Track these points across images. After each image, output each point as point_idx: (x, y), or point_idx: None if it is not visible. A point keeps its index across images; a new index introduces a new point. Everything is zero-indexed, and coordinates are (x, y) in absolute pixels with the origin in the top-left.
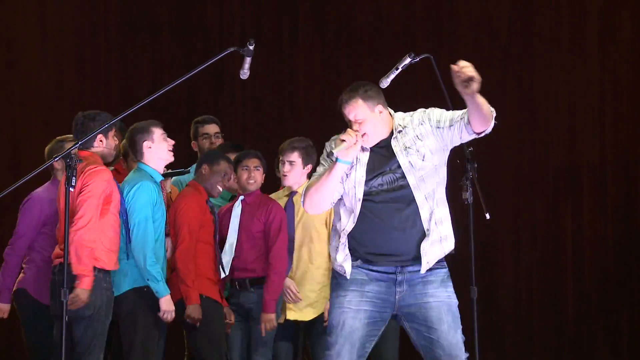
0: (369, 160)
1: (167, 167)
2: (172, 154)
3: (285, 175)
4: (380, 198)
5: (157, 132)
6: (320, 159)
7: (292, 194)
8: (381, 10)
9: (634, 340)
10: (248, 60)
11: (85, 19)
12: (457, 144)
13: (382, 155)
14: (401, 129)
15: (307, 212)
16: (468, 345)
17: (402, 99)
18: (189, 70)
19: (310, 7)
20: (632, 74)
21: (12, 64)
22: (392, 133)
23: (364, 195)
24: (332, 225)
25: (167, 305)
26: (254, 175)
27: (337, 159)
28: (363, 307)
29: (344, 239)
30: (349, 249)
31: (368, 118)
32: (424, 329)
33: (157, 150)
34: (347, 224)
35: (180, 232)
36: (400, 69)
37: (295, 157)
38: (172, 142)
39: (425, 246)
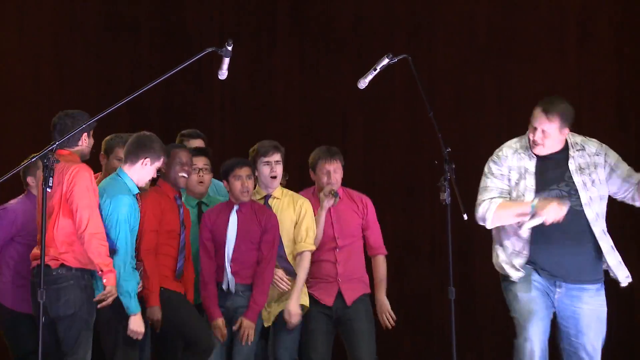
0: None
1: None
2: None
3: (276, 177)
4: None
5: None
6: (490, 165)
7: (267, 197)
8: (360, 10)
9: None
10: (226, 60)
11: (64, 18)
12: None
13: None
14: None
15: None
16: (447, 346)
17: (380, 99)
18: (168, 70)
19: (290, 7)
20: (610, 75)
21: None
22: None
23: None
24: None
25: (135, 325)
26: (247, 185)
27: (533, 206)
28: None
29: None
30: None
31: (552, 135)
32: None
33: (148, 173)
34: None
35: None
36: (378, 70)
37: (279, 157)
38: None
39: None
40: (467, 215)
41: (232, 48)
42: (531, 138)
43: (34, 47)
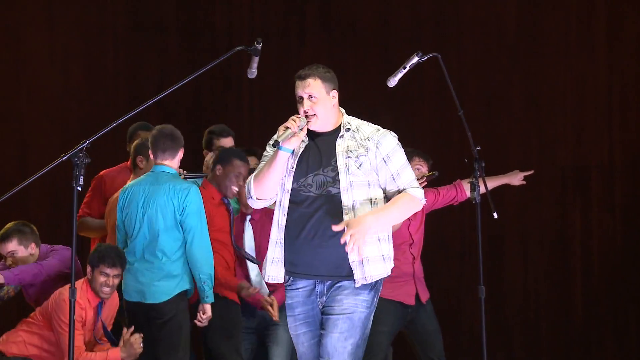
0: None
1: (187, 170)
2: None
3: None
4: None
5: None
6: (265, 151)
7: None
8: (388, 9)
9: None
10: (256, 59)
11: (93, 18)
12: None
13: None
14: (350, 128)
15: (254, 198)
16: (477, 345)
17: (409, 98)
18: (196, 69)
19: (318, 7)
20: None
21: (20, 63)
22: (338, 129)
23: None
24: None
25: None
26: None
27: (280, 146)
28: None
29: None
30: None
31: (322, 99)
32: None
33: (174, 166)
34: None
35: None
36: (407, 68)
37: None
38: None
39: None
40: (497, 214)
41: (261, 47)
42: None
43: (63, 48)
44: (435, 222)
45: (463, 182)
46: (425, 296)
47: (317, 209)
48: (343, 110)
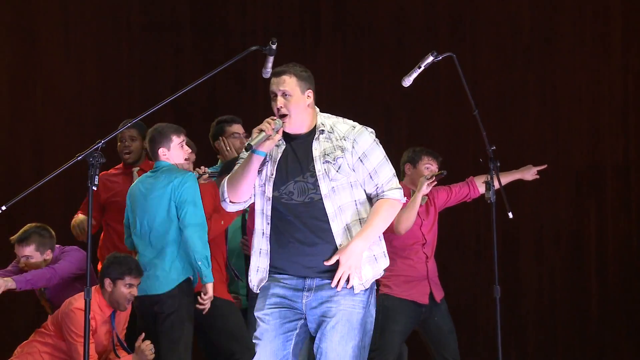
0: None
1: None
2: (188, 162)
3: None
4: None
5: (175, 141)
6: (241, 154)
7: None
8: (403, 8)
9: None
10: (271, 59)
11: (107, 17)
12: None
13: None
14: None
15: (228, 201)
16: (491, 344)
17: (424, 97)
18: (211, 69)
19: (332, 6)
20: None
21: (35, 63)
22: (314, 131)
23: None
24: None
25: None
26: None
27: (253, 150)
28: None
29: None
30: None
31: (296, 97)
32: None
33: (172, 158)
34: None
35: None
36: (422, 68)
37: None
38: (188, 150)
39: None
40: (512, 214)
41: (276, 46)
42: None
43: (78, 48)
44: (450, 221)
45: (476, 180)
46: (439, 295)
47: (302, 217)
48: (317, 110)
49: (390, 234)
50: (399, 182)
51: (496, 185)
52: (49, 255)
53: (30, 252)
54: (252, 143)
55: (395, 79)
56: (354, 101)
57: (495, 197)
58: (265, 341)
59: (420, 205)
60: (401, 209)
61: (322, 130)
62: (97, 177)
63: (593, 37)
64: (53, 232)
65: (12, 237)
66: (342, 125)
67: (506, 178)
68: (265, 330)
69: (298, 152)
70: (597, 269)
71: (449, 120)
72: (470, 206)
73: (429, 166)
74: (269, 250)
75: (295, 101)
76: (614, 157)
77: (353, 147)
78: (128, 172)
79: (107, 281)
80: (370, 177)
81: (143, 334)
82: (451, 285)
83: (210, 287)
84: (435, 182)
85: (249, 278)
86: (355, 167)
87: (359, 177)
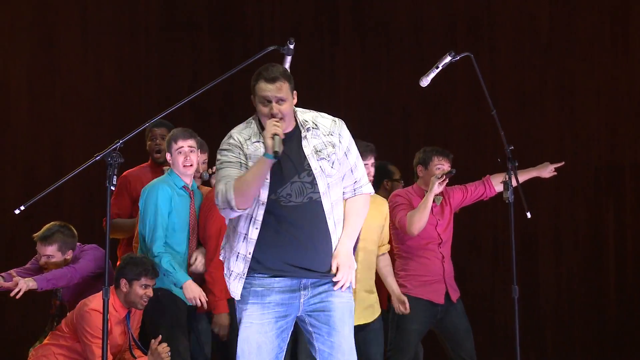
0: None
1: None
2: (188, 168)
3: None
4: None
5: (173, 147)
6: (223, 156)
7: None
8: (421, 8)
9: None
10: (288, 59)
11: (125, 19)
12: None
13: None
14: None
15: (236, 209)
16: (510, 344)
17: (442, 97)
18: (228, 69)
19: (350, 6)
20: None
21: (54, 64)
22: (297, 128)
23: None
24: None
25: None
26: None
27: (266, 154)
28: None
29: None
30: None
31: (288, 101)
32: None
33: (172, 163)
34: None
35: (208, 243)
36: (440, 68)
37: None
38: (191, 160)
39: None
40: (530, 213)
41: (294, 46)
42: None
43: (96, 49)
44: (468, 221)
45: (493, 178)
46: (455, 295)
47: (302, 217)
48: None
49: (404, 234)
50: (413, 183)
51: (514, 183)
52: (69, 255)
53: (52, 251)
54: (277, 149)
55: (413, 79)
56: (372, 101)
57: (513, 197)
58: (263, 355)
59: (435, 205)
60: (413, 209)
61: (308, 128)
62: (115, 176)
63: (611, 36)
64: (75, 232)
65: (34, 235)
66: (323, 120)
67: (523, 176)
68: (263, 343)
69: (288, 152)
70: (615, 268)
71: (467, 120)
72: (488, 206)
73: (441, 166)
74: (251, 254)
75: (289, 105)
76: (632, 156)
77: (340, 141)
78: (158, 170)
79: (123, 282)
80: (351, 171)
81: (160, 337)
82: (469, 286)
83: (186, 288)
84: (447, 181)
85: (229, 286)
86: (341, 161)
87: (342, 171)
